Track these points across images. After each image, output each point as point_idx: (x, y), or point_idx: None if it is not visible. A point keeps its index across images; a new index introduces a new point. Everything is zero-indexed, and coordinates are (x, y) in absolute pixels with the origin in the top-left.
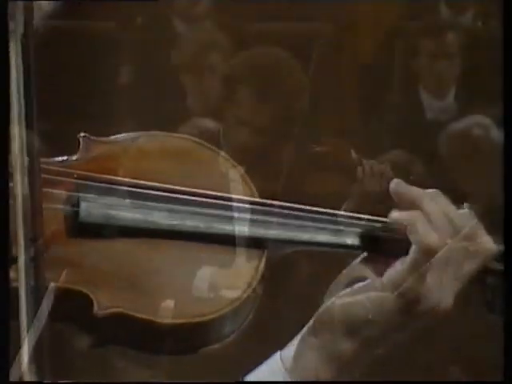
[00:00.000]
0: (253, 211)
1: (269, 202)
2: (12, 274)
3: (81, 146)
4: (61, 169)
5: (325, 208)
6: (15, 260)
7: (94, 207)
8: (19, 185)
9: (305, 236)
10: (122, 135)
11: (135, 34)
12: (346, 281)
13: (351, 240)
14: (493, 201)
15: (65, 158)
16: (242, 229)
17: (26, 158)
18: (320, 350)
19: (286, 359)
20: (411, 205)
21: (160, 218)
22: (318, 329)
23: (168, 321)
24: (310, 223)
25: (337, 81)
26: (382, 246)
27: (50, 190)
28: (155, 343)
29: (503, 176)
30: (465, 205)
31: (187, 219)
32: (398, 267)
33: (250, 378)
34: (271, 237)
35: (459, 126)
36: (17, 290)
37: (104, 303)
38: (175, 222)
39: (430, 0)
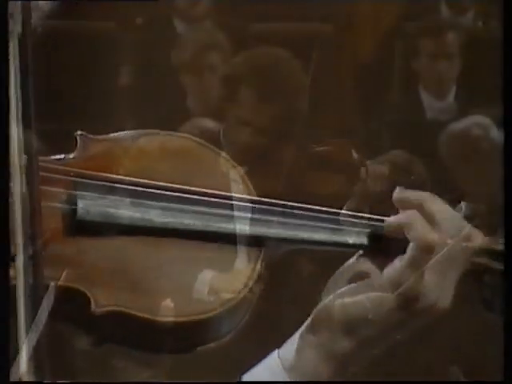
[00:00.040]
0: (251, 210)
1: (266, 200)
2: (10, 273)
3: (78, 145)
4: (58, 167)
5: (325, 207)
6: (13, 258)
7: (91, 205)
8: (17, 183)
9: (304, 234)
10: (120, 133)
11: (135, 33)
12: (348, 276)
13: (351, 239)
14: (493, 201)
15: (62, 156)
16: (240, 227)
17: (24, 157)
18: (318, 348)
19: (284, 357)
20: (414, 208)
21: (157, 216)
22: (316, 327)
23: (165, 319)
24: (309, 222)
25: (337, 81)
26: (383, 245)
27: (47, 188)
28: (153, 342)
29: (503, 176)
30: (461, 203)
31: (184, 217)
32: (397, 265)
33: (247, 376)
34: (270, 235)
35: (459, 126)
36: (15, 288)
37: (101, 301)
38: (172, 220)
39: (430, 0)
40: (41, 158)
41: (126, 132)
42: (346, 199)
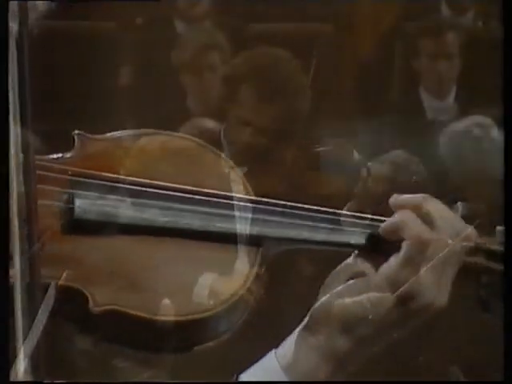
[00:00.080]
0: (251, 210)
1: (266, 200)
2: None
3: (75, 144)
4: (55, 165)
5: (325, 207)
6: (10, 257)
7: (88, 204)
8: (14, 182)
9: (304, 234)
10: (117, 133)
11: (135, 34)
12: (344, 276)
13: (351, 239)
14: (493, 201)
15: (59, 155)
16: (240, 227)
17: (21, 155)
18: (316, 347)
19: (281, 357)
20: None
21: (154, 215)
22: (314, 326)
23: (163, 318)
24: (309, 222)
25: (337, 81)
26: (382, 245)
27: (44, 186)
28: (151, 341)
29: (503, 176)
30: (458, 204)
31: (182, 217)
32: (392, 263)
33: (244, 376)
34: (270, 235)
35: (459, 126)
36: (12, 287)
37: (99, 300)
38: (169, 220)
39: (430, 0)
40: (38, 156)
41: (123, 131)
42: (346, 199)
